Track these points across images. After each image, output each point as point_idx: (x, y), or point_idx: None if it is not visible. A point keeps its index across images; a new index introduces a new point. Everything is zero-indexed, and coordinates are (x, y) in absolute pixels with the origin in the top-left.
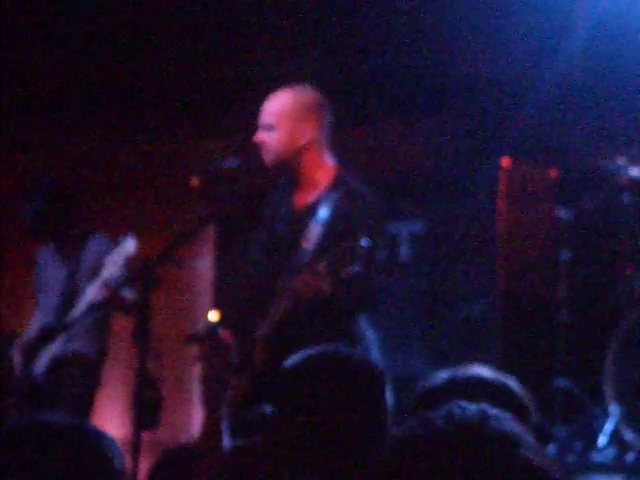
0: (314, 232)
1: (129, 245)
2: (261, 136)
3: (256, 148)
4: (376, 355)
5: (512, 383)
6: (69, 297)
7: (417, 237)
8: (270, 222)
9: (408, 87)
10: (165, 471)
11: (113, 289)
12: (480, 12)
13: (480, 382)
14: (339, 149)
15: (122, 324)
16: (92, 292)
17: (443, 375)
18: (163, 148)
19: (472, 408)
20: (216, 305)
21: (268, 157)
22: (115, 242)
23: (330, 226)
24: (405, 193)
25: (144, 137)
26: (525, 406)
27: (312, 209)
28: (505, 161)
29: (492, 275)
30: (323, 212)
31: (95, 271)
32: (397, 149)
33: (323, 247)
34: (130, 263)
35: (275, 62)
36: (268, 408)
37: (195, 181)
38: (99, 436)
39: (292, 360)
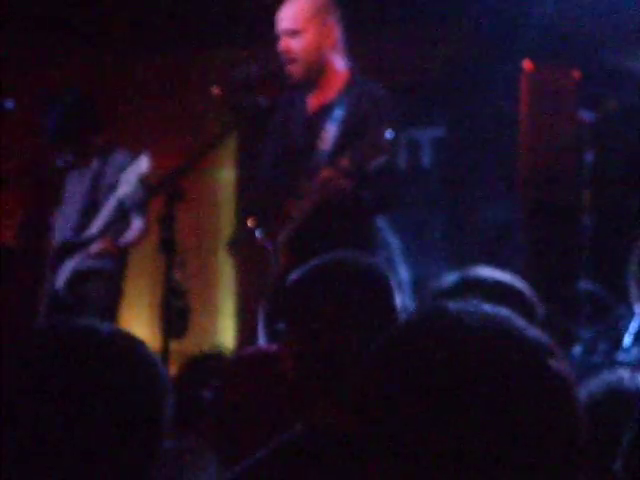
0: (330, 132)
1: (142, 163)
2: (285, 43)
3: (278, 56)
4: (399, 261)
5: (518, 283)
6: (89, 212)
7: (438, 142)
8: (283, 126)
9: None
10: (191, 378)
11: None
12: None
13: (488, 283)
14: (356, 55)
15: (148, 237)
16: (107, 211)
17: (452, 277)
18: (182, 58)
19: (462, 303)
20: (239, 214)
21: (296, 66)
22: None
23: (346, 125)
24: (426, 98)
25: (162, 48)
26: (532, 305)
27: (327, 110)
28: (527, 63)
29: (515, 179)
30: (338, 112)
31: (115, 187)
32: (417, 54)
33: (340, 147)
34: (144, 181)
35: None
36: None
37: (216, 90)
38: (139, 342)
39: (296, 273)
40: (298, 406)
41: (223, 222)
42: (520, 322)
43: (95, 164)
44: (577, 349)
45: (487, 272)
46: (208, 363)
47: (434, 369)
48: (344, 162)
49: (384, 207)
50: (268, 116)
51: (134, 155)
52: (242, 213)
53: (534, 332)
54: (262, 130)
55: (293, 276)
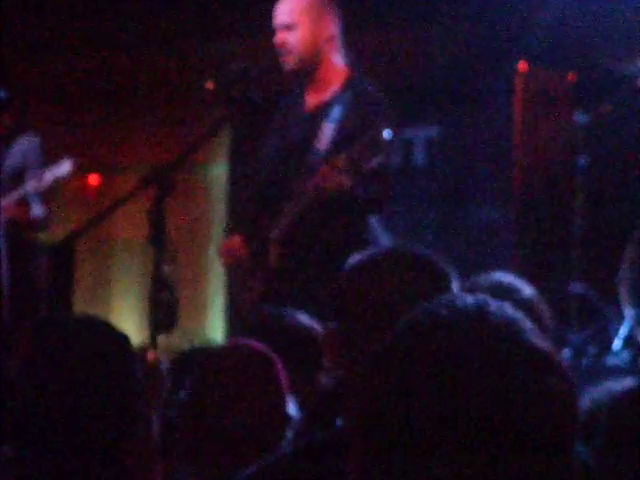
0: (327, 132)
1: (63, 167)
2: (281, 36)
3: (274, 50)
4: None
5: (528, 290)
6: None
7: (433, 142)
8: (281, 124)
9: None
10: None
11: (25, 207)
12: None
13: (498, 288)
14: (352, 53)
15: (138, 230)
16: (6, 203)
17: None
18: (175, 52)
19: (472, 298)
20: (231, 210)
21: (290, 58)
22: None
23: (343, 125)
24: (420, 98)
25: (156, 41)
26: (540, 314)
27: (324, 109)
28: (522, 65)
29: (508, 180)
30: (336, 112)
31: (18, 172)
32: (412, 54)
33: (337, 145)
34: (59, 185)
35: None
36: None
37: (210, 84)
38: (119, 334)
39: (355, 259)
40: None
41: (214, 217)
42: (528, 325)
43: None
44: (566, 352)
45: (497, 277)
46: (196, 358)
47: (435, 371)
48: (341, 160)
49: (378, 206)
50: (261, 111)
51: (38, 143)
52: (238, 210)
53: (538, 339)
54: (255, 125)
55: (353, 261)
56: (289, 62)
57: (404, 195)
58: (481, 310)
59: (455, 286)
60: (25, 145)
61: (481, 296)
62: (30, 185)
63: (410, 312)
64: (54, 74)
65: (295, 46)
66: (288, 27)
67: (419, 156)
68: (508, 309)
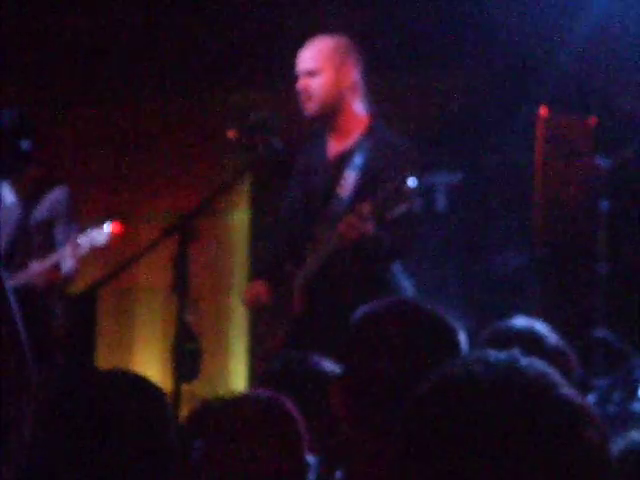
0: (349, 179)
1: (102, 236)
2: (304, 82)
3: (295, 97)
4: None
5: (554, 337)
6: (18, 239)
7: (454, 188)
8: (304, 172)
9: (443, 36)
10: (202, 421)
11: (57, 268)
12: None
13: (524, 335)
14: (373, 99)
15: (160, 278)
16: (37, 268)
17: (490, 327)
18: (197, 101)
19: (503, 353)
20: (253, 256)
21: (312, 104)
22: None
23: (365, 172)
24: (441, 143)
25: (177, 90)
26: (568, 362)
27: (346, 157)
28: (543, 109)
29: (530, 225)
30: (358, 159)
31: (47, 223)
32: (432, 99)
33: (359, 193)
34: (95, 252)
35: (305, 13)
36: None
37: (232, 133)
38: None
39: (363, 310)
40: (340, 444)
41: (236, 264)
42: (558, 378)
43: (33, 193)
44: (591, 398)
45: (523, 322)
46: (220, 405)
47: (470, 427)
48: (366, 208)
49: (402, 252)
50: (283, 159)
51: (67, 194)
52: (262, 256)
53: (570, 391)
54: (276, 173)
55: (361, 311)
56: (311, 107)
57: (425, 241)
58: (513, 366)
59: (462, 340)
60: (54, 196)
61: (512, 351)
62: (66, 251)
63: (443, 367)
64: (79, 124)
65: (317, 91)
66: (311, 73)
67: (440, 202)
68: (538, 363)
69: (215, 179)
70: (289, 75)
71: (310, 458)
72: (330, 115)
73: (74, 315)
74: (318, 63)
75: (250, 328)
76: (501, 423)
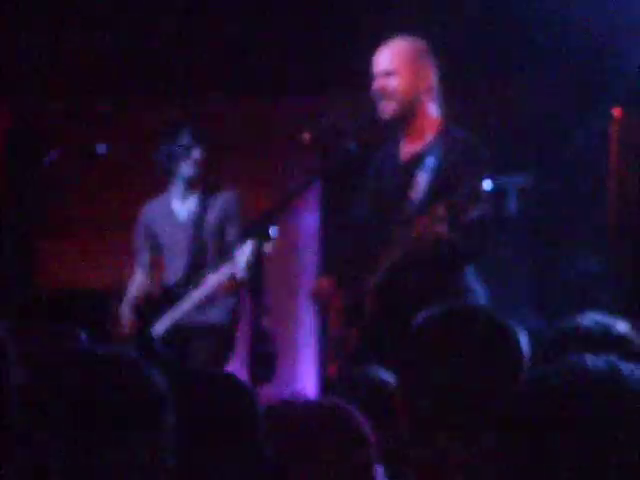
0: (421, 182)
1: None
2: (381, 82)
3: (370, 99)
4: None
5: (622, 326)
6: (195, 252)
7: (525, 190)
8: (377, 174)
9: (516, 37)
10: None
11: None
12: None
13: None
14: (447, 101)
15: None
16: (216, 280)
17: (561, 325)
18: (270, 103)
19: (601, 360)
20: (324, 259)
21: (390, 105)
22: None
23: (437, 174)
24: (513, 145)
25: (250, 92)
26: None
27: (418, 159)
28: (617, 110)
29: (603, 228)
30: (430, 161)
31: (219, 228)
32: (504, 100)
33: (432, 195)
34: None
35: (380, 14)
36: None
37: (306, 136)
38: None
39: (424, 315)
40: (405, 455)
41: (305, 267)
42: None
43: (202, 202)
44: None
45: (595, 319)
46: (287, 409)
47: (573, 435)
48: (441, 210)
49: (476, 256)
50: (357, 162)
51: (237, 197)
52: (333, 258)
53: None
54: (349, 175)
55: (421, 316)
56: (388, 109)
57: (497, 244)
58: (614, 374)
59: (524, 344)
60: (224, 199)
61: (611, 358)
62: (240, 256)
63: (535, 371)
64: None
65: (395, 92)
66: (389, 74)
67: (512, 205)
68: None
69: (288, 181)
70: (364, 77)
71: (378, 468)
72: (406, 117)
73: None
74: (397, 64)
75: (320, 332)
76: (603, 432)
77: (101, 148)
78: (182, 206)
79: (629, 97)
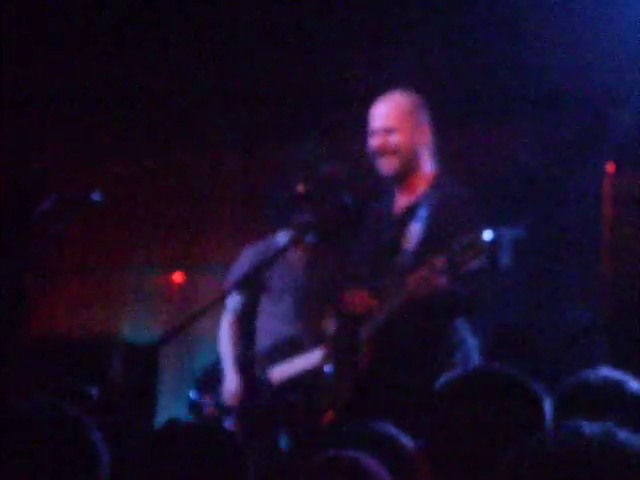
0: (415, 233)
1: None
2: (381, 140)
3: (363, 151)
4: (476, 360)
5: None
6: (304, 304)
7: (519, 242)
8: (372, 226)
9: (510, 89)
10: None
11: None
12: (586, 16)
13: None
14: (440, 153)
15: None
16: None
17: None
18: (261, 153)
19: (597, 426)
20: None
21: (392, 161)
22: None
23: (430, 226)
24: (507, 198)
25: (241, 142)
26: None
27: (412, 211)
28: (610, 166)
29: (597, 281)
30: (423, 212)
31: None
32: (498, 154)
33: (424, 247)
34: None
35: (371, 66)
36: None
37: (301, 187)
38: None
39: (448, 378)
40: None
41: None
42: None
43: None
44: None
45: (607, 373)
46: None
47: None
48: (439, 261)
49: (471, 308)
50: (351, 213)
51: None
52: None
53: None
54: (343, 227)
55: (446, 379)
56: (390, 165)
57: (491, 296)
58: (610, 440)
59: (547, 406)
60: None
61: (607, 424)
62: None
63: (534, 438)
64: (136, 173)
65: (397, 150)
66: (388, 131)
67: (505, 257)
68: (634, 439)
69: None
70: (355, 128)
71: None
72: (407, 173)
73: (137, 366)
74: (396, 121)
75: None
76: None
77: (97, 196)
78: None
79: (622, 153)
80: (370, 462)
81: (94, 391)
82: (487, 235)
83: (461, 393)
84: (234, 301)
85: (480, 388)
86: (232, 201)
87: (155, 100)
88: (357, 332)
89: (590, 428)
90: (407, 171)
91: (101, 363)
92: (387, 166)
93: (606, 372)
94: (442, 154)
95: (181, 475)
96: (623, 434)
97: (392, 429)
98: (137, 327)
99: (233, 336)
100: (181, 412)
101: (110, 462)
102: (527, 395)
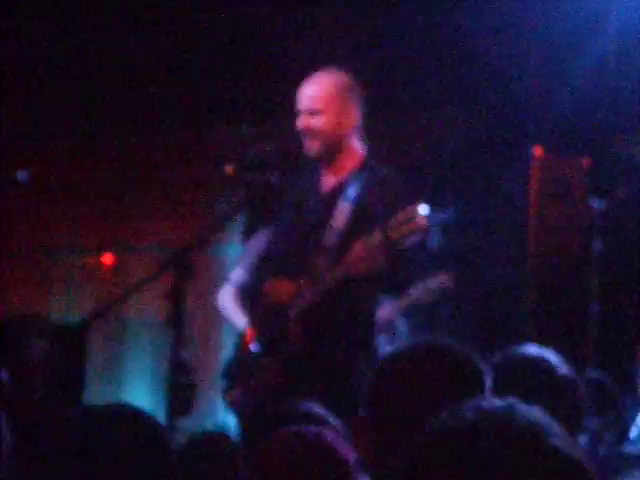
0: (343, 211)
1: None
2: (305, 121)
3: (292, 132)
4: (405, 337)
5: (565, 368)
6: None
7: (447, 226)
8: (296, 205)
9: (440, 76)
10: (191, 455)
11: None
12: (515, 7)
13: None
14: (370, 136)
15: (152, 311)
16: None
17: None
18: (192, 135)
19: (499, 401)
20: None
21: (315, 143)
22: None
23: (359, 205)
24: (436, 182)
25: (172, 125)
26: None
27: (340, 190)
28: (537, 150)
29: (524, 265)
30: (352, 191)
31: None
32: (427, 138)
33: (352, 226)
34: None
35: (305, 46)
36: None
37: (229, 169)
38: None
39: (391, 350)
40: None
41: None
42: (556, 429)
43: None
44: (582, 439)
45: (534, 350)
46: (208, 440)
47: (461, 476)
48: (377, 237)
49: (406, 284)
50: (279, 194)
51: None
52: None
53: (563, 442)
54: (271, 207)
55: (388, 351)
56: (313, 147)
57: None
58: (508, 414)
59: (488, 383)
60: None
61: (509, 399)
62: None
63: (438, 415)
64: (76, 155)
65: (320, 132)
66: (313, 112)
67: (434, 240)
68: (536, 412)
69: (210, 214)
70: (286, 108)
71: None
72: (330, 154)
73: (64, 347)
74: (322, 103)
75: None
76: (490, 472)
77: (22, 175)
78: None
79: (550, 137)
80: (332, 435)
81: (3, 374)
82: (423, 209)
83: (405, 365)
84: (238, 274)
85: (424, 361)
86: (163, 182)
87: (89, 78)
88: (284, 316)
89: (490, 404)
90: (332, 152)
91: (20, 344)
92: (310, 148)
93: (534, 350)
94: (372, 136)
95: (96, 459)
96: (525, 407)
97: (318, 408)
98: (66, 309)
99: (238, 302)
100: (113, 396)
101: (17, 445)
102: (470, 370)
